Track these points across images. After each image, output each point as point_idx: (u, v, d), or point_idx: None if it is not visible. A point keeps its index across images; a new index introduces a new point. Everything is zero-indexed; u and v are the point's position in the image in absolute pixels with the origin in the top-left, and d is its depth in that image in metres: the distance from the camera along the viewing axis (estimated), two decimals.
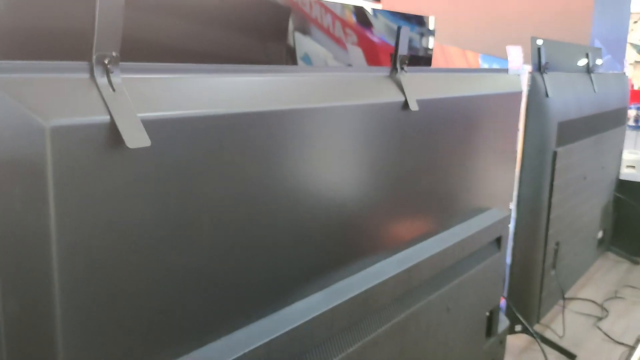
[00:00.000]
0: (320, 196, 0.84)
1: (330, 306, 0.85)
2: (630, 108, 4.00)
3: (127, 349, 0.61)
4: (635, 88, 4.62)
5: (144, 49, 0.70)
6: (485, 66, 2.65)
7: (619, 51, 2.97)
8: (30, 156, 0.51)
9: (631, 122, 4.31)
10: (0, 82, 0.50)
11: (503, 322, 1.51)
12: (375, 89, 0.95)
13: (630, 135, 3.46)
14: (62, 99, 0.53)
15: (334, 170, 0.86)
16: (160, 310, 0.64)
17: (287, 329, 0.77)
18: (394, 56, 0.98)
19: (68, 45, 0.57)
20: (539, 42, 1.67)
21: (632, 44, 4.77)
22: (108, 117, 0.55)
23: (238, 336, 0.74)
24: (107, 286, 0.58)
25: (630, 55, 4.58)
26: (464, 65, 2.57)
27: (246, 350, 0.71)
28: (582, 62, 2.02)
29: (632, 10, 3.35)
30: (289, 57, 0.98)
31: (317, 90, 0.84)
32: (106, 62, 0.56)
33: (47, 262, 0.53)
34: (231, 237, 0.71)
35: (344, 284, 0.92)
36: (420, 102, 1.00)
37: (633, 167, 4.61)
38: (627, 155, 2.83)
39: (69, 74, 0.55)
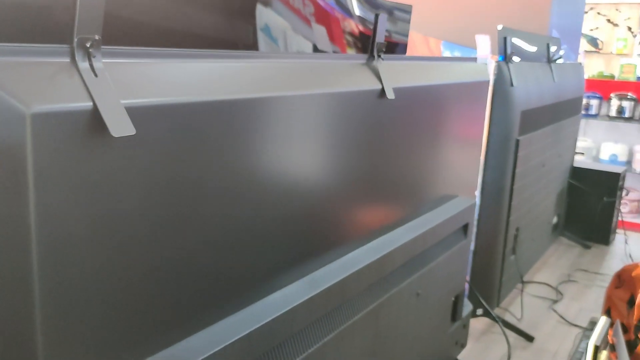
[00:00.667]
0: (295, 186, 0.83)
1: (307, 297, 0.84)
2: None
3: (108, 342, 0.59)
4: (586, 77, 4.76)
5: (122, 32, 0.67)
6: (447, 53, 2.68)
7: (574, 41, 3.05)
8: (9, 144, 0.48)
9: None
10: None
11: (466, 306, 1.54)
12: (352, 76, 0.94)
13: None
14: (42, 85, 0.50)
15: (311, 160, 0.85)
16: (141, 303, 0.62)
17: (265, 321, 0.76)
18: (371, 43, 0.98)
19: (47, 27, 0.54)
20: (499, 27, 1.69)
21: (583, 34, 4.91)
22: (91, 104, 0.53)
23: (217, 329, 0.73)
24: (88, 279, 0.56)
25: (581, 44, 4.71)
26: (426, 52, 2.59)
27: (226, 343, 0.70)
28: (544, 51, 2.06)
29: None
30: (249, 30, 0.95)
31: (295, 77, 0.83)
32: (88, 45, 0.54)
33: (26, 255, 0.51)
34: (212, 228, 0.69)
35: (318, 274, 0.91)
36: (396, 90, 1.00)
37: (582, 153, 4.77)
38: (580, 143, 2.92)
39: (48, 58, 0.52)
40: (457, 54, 2.65)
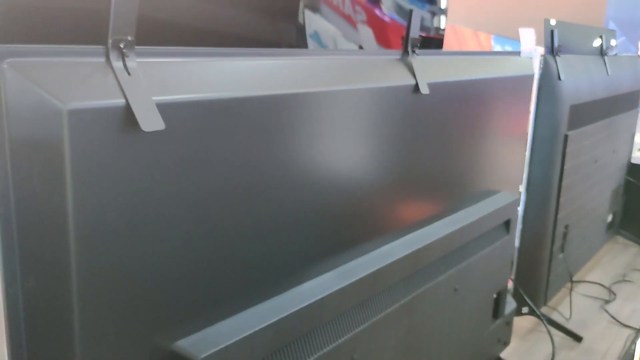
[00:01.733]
0: (333, 179, 0.85)
1: (341, 286, 0.86)
2: None
3: (142, 326, 0.63)
4: None
5: (155, 32, 0.71)
6: (498, 48, 2.63)
7: (634, 33, 2.93)
8: (48, 138, 0.52)
9: None
10: (18, 66, 0.51)
11: (510, 304, 1.52)
12: (386, 72, 0.95)
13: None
14: (79, 83, 0.54)
15: (346, 153, 0.87)
16: (174, 289, 0.65)
17: (298, 308, 0.78)
18: (405, 39, 0.98)
19: (84, 29, 0.57)
20: (552, 22, 1.65)
21: None
22: (124, 100, 0.56)
23: (248, 315, 0.75)
24: (123, 266, 0.59)
25: None
26: (476, 47, 2.55)
27: (257, 328, 0.73)
28: (596, 44, 2.00)
29: None
30: (300, 35, 0.98)
31: (329, 74, 0.84)
32: (122, 46, 0.57)
33: (64, 242, 0.55)
34: (245, 218, 0.72)
35: (354, 264, 0.93)
36: (431, 86, 1.01)
37: None
38: (638, 139, 2.80)
39: (85, 58, 0.56)
40: (508, 48, 2.60)
